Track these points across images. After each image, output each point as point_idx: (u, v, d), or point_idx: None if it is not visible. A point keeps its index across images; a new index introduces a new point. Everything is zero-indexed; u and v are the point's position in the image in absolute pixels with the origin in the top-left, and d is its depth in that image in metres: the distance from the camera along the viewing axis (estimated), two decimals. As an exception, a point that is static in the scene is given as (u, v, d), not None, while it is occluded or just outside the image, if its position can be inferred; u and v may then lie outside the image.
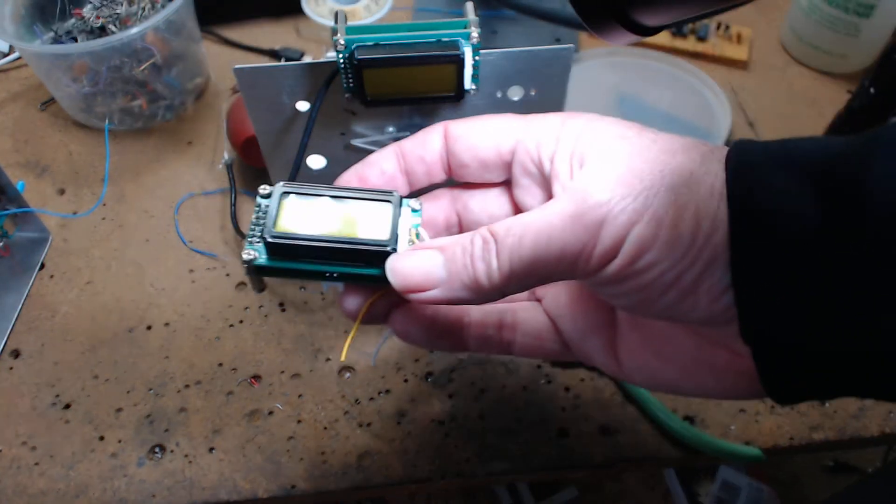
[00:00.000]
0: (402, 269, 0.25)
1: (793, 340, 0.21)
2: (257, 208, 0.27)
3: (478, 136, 0.28)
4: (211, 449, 0.39)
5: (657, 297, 0.23)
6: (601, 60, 0.58)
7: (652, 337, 0.27)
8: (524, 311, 0.30)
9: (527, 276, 0.24)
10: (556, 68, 0.34)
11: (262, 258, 0.26)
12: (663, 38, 0.61)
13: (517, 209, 0.29)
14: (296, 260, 0.27)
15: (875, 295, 0.20)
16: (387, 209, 0.27)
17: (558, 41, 0.61)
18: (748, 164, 0.22)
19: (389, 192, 0.27)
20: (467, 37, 0.31)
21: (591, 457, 0.39)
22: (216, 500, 0.38)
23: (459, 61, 0.32)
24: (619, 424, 0.40)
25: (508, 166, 0.28)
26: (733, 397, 0.26)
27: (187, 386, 0.42)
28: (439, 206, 0.30)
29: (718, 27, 0.62)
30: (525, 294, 0.31)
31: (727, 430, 0.40)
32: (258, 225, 0.27)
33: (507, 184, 0.29)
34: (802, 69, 0.61)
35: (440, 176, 0.29)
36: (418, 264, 0.25)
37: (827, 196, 0.20)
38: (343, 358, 0.27)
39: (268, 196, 0.28)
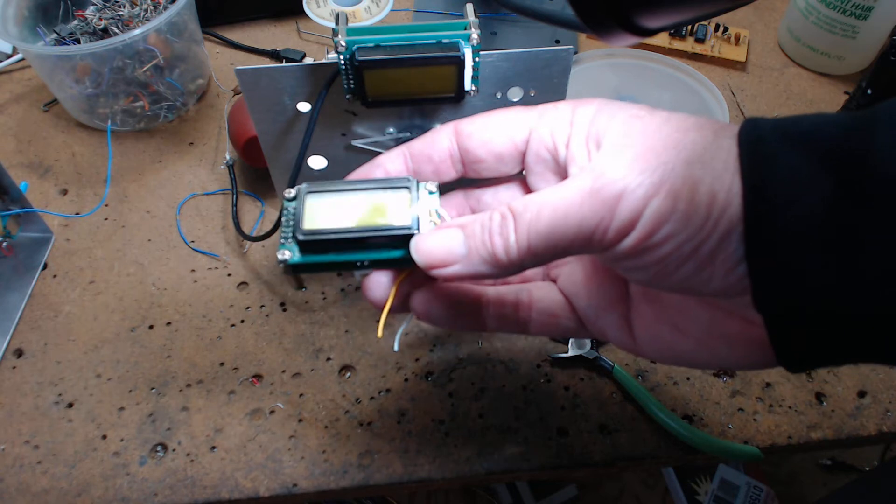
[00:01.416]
0: (425, 247, 0.26)
1: (803, 307, 0.22)
2: (285, 212, 0.29)
3: (491, 130, 0.29)
4: (213, 448, 0.40)
5: (674, 270, 0.23)
6: (600, 62, 0.59)
7: (666, 310, 0.28)
8: (539, 290, 0.31)
9: (544, 250, 0.24)
10: (555, 69, 0.34)
11: (296, 256, 0.28)
12: (662, 39, 0.62)
13: None
14: (327, 253, 0.28)
15: (881, 262, 0.20)
16: (405, 195, 0.28)
17: (558, 42, 0.61)
18: (759, 139, 0.23)
19: (406, 179, 0.29)
20: (467, 38, 0.32)
21: (590, 456, 0.39)
22: (218, 498, 0.38)
23: (460, 62, 0.32)
24: (619, 423, 0.41)
25: (523, 156, 0.29)
26: (747, 367, 0.27)
27: (189, 385, 0.42)
28: (453, 202, 0.31)
29: (717, 29, 0.62)
30: (540, 274, 0.32)
31: (725, 430, 0.40)
32: (288, 227, 0.28)
33: (518, 177, 0.30)
34: (800, 70, 0.62)
35: (449, 174, 0.30)
36: (440, 242, 0.26)
37: (835, 169, 0.21)
38: (380, 334, 0.28)
39: (293, 199, 0.29)
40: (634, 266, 0.24)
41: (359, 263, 0.28)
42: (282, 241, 0.28)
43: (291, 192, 0.29)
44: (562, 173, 0.27)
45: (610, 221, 0.23)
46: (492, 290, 0.30)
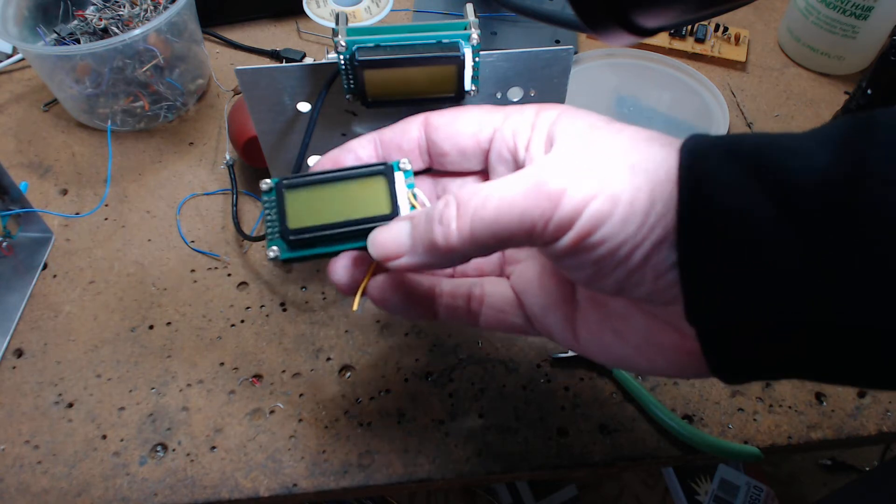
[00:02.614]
0: (378, 240, 0.27)
1: (731, 318, 0.23)
2: (265, 205, 0.29)
3: (458, 126, 0.30)
4: (213, 448, 0.40)
5: (609, 272, 0.24)
6: (600, 62, 0.59)
7: (609, 315, 0.28)
8: (491, 286, 0.31)
9: (487, 238, 0.25)
10: (555, 69, 0.34)
11: (284, 253, 0.29)
12: (662, 39, 0.62)
13: None
14: (314, 247, 0.29)
15: (806, 273, 0.21)
16: (382, 181, 0.29)
17: (558, 42, 0.61)
18: (699, 154, 0.23)
19: (381, 164, 0.29)
20: (467, 38, 0.32)
21: (590, 456, 0.39)
22: (218, 498, 0.38)
23: (460, 62, 0.32)
24: (618, 423, 0.41)
25: (486, 154, 0.30)
26: (683, 376, 0.28)
27: (189, 385, 0.42)
28: (422, 188, 0.32)
29: (717, 29, 0.62)
30: (496, 269, 0.33)
31: (725, 429, 0.40)
32: (272, 222, 0.29)
33: (484, 173, 0.31)
34: (800, 70, 0.62)
35: (416, 165, 0.31)
36: (389, 235, 0.27)
37: (768, 187, 0.21)
38: (355, 307, 0.30)
39: (269, 191, 0.29)
40: (574, 264, 0.25)
41: (344, 252, 0.29)
42: (268, 237, 0.29)
43: (267, 184, 0.29)
44: None
45: (551, 216, 0.24)
46: (446, 283, 0.31)
